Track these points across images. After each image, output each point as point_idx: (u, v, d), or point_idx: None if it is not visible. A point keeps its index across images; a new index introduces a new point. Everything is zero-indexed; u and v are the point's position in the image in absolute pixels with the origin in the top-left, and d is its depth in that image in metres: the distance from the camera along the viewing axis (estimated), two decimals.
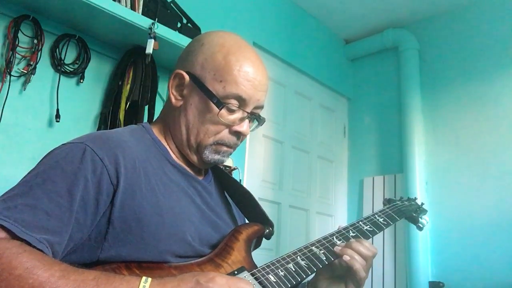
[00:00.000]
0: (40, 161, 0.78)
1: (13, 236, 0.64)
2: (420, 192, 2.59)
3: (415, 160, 2.68)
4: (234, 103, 0.87)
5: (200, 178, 0.96)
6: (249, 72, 0.87)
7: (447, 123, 2.72)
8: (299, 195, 2.78)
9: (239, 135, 0.91)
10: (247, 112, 0.90)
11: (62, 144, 0.80)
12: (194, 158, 0.92)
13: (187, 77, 0.89)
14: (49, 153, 0.79)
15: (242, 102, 0.88)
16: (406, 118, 2.79)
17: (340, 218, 3.02)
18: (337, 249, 0.95)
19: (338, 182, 3.10)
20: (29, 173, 0.75)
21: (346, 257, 0.92)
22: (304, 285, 1.00)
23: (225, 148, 0.91)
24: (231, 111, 0.88)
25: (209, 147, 0.90)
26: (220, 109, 0.86)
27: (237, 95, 0.87)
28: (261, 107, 0.93)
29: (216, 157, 0.91)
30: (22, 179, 0.73)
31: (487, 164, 2.47)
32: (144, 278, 0.65)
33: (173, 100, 0.91)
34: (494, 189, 2.41)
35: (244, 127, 0.90)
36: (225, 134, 0.90)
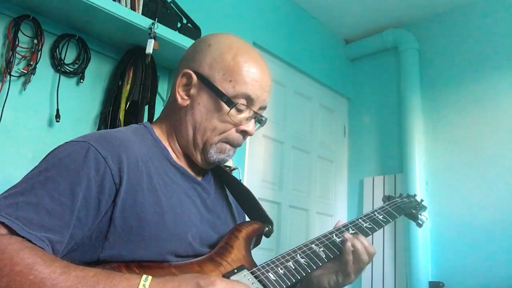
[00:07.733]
0: (43, 159, 0.78)
1: (14, 233, 0.64)
2: (420, 192, 2.58)
3: (415, 160, 2.68)
4: (242, 102, 0.89)
5: (200, 179, 0.96)
6: (256, 73, 0.90)
7: (447, 123, 2.72)
8: (299, 195, 2.78)
9: (245, 135, 0.93)
10: (254, 111, 0.91)
11: (66, 143, 0.79)
12: (198, 157, 0.92)
13: (194, 76, 0.90)
14: (52, 151, 0.79)
15: (250, 101, 0.90)
16: (406, 118, 2.79)
17: (340, 218, 2.99)
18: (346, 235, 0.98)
19: (338, 182, 3.10)
20: (32, 170, 0.75)
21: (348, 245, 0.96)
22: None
23: (229, 147, 0.92)
24: (239, 111, 0.90)
25: (214, 145, 0.90)
26: (231, 108, 0.87)
27: (246, 94, 0.88)
28: (264, 108, 0.95)
29: (221, 156, 0.92)
30: (24, 177, 0.73)
31: (487, 164, 2.47)
32: (144, 276, 0.65)
33: (179, 99, 0.91)
34: (494, 189, 2.41)
35: (250, 126, 0.92)
36: (232, 133, 0.91)
